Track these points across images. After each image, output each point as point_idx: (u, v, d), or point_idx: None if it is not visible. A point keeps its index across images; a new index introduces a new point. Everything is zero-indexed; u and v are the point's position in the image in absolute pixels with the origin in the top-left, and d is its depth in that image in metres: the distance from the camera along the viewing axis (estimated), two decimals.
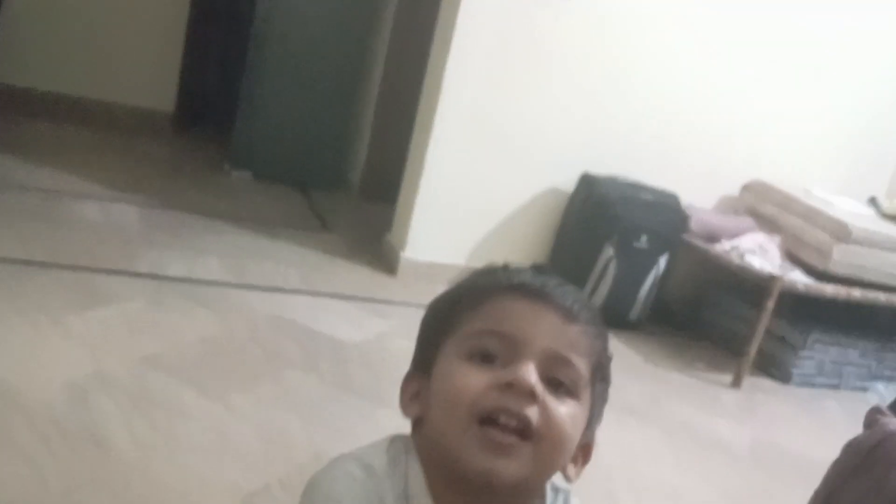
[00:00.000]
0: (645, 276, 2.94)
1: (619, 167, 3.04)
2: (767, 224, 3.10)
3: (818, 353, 2.87)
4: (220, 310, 2.22)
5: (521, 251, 3.09)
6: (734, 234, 2.99)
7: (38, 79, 4.02)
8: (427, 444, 0.70)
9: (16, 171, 3.06)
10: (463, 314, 0.71)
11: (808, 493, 2.03)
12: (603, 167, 3.02)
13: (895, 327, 3.11)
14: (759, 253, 2.84)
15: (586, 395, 0.71)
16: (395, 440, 0.73)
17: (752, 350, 2.65)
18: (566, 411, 0.68)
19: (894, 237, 2.93)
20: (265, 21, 3.71)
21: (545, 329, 0.69)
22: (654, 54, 3.04)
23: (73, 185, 3.05)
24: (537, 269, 0.75)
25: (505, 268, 0.75)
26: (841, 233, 2.84)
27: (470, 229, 3.02)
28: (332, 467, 0.69)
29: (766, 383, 2.81)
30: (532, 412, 0.65)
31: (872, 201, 3.28)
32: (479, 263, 2.73)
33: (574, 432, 0.69)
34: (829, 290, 2.76)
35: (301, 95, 3.78)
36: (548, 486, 0.76)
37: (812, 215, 2.98)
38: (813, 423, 2.57)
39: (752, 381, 2.71)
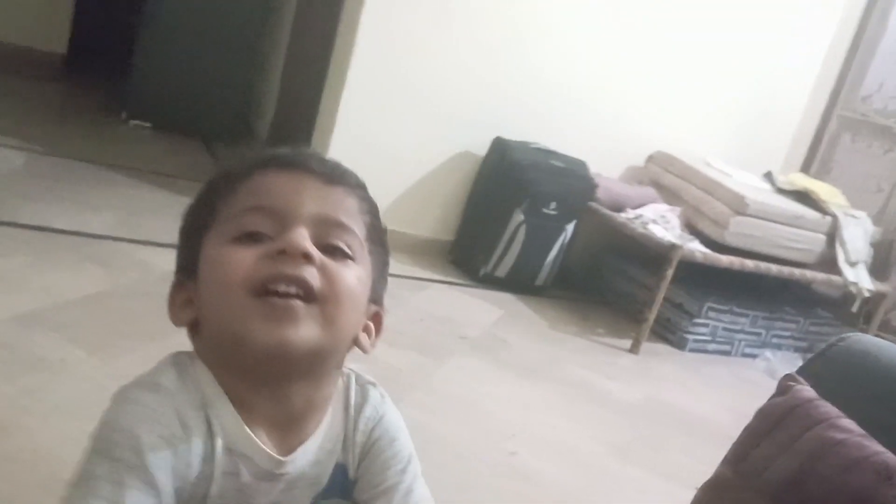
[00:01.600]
0: (553, 243, 2.97)
1: (531, 133, 3.05)
2: (669, 195, 3.19)
3: (712, 320, 3.00)
4: (111, 265, 2.09)
5: (433, 212, 3.07)
6: (638, 204, 3.07)
7: None
8: (209, 344, 0.67)
9: None
10: (220, 202, 0.68)
11: (692, 442, 2.15)
12: (515, 132, 3.02)
13: (785, 298, 3.29)
14: (660, 223, 2.92)
15: (364, 256, 0.69)
16: (176, 355, 0.68)
17: (651, 316, 2.74)
18: (348, 271, 0.66)
19: (787, 211, 3.07)
20: None
21: (309, 195, 0.67)
22: (563, 22, 3.05)
23: None
24: (298, 147, 0.74)
25: (257, 151, 0.75)
26: (738, 205, 2.95)
27: (382, 188, 2.90)
28: (118, 400, 0.63)
29: (662, 348, 2.92)
30: (310, 274, 0.63)
31: (768, 176, 3.43)
32: (391, 226, 2.69)
33: (360, 292, 0.68)
34: (725, 260, 2.87)
35: (204, 41, 3.59)
36: (350, 377, 0.75)
37: (712, 187, 3.08)
38: (701, 385, 2.69)
39: (649, 346, 2.81)
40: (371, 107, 2.85)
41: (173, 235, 0.73)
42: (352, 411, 0.73)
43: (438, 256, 3.07)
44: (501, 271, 2.95)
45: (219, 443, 0.63)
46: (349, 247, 0.67)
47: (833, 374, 0.78)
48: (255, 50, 3.78)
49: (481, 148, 3.03)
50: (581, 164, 3.05)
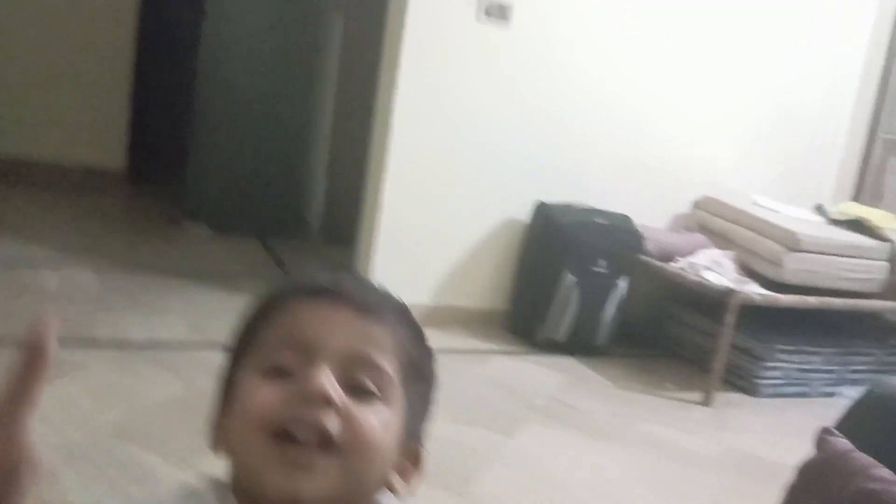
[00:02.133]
0: (607, 300, 2.98)
1: (572, 194, 3.09)
2: (720, 239, 3.18)
3: (783, 363, 2.93)
4: (184, 371, 2.19)
5: (483, 284, 3.12)
6: (688, 252, 3.06)
7: None
8: (235, 476, 0.63)
9: None
10: (256, 331, 0.65)
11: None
12: (557, 195, 3.07)
13: (855, 331, 3.20)
14: (714, 268, 2.90)
15: (397, 397, 0.63)
16: (208, 483, 0.65)
17: (719, 365, 2.69)
18: (374, 417, 0.61)
19: (843, 241, 3.02)
20: (209, 71, 3.71)
21: (339, 328, 0.62)
22: (601, 82, 3.12)
23: (26, 253, 2.99)
24: (335, 271, 0.72)
25: (296, 275, 0.71)
26: (790, 241, 2.91)
27: (431, 266, 3.03)
28: None
29: (736, 397, 2.85)
30: (330, 421, 0.59)
31: (819, 208, 3.38)
32: (444, 301, 2.74)
33: (387, 439, 0.62)
34: (786, 299, 2.83)
35: (252, 143, 3.77)
36: None
37: (761, 226, 3.06)
38: (782, 432, 2.61)
39: (721, 397, 2.75)
40: (413, 185, 2.94)
41: None
42: None
43: (494, 326, 3.09)
44: (559, 335, 2.96)
45: None
46: (378, 386, 0.62)
47: (869, 421, 0.78)
48: (300, 144, 3.94)
49: (525, 214, 3.08)
50: (625, 219, 3.07)
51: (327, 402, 0.59)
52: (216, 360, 2.17)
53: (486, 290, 3.13)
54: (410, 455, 0.67)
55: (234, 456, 0.63)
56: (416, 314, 0.70)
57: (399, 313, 0.66)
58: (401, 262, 2.96)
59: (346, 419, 0.59)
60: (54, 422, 1.81)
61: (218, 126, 3.72)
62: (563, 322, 2.95)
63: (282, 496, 0.59)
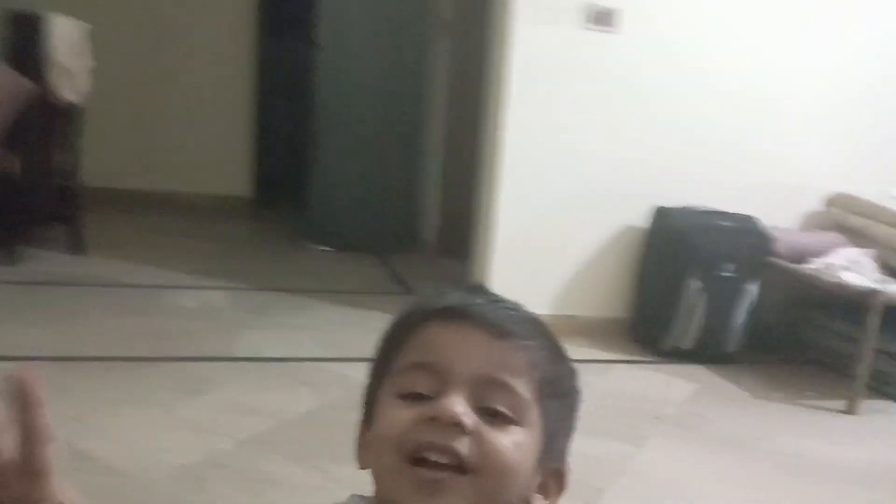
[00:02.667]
0: (736, 305, 2.86)
1: (692, 197, 3.00)
2: (856, 237, 2.99)
3: None
4: (318, 384, 2.27)
5: (602, 293, 3.07)
6: (822, 252, 2.89)
7: (123, 178, 4.28)
8: (377, 492, 0.65)
9: (114, 268, 3.25)
10: (393, 352, 0.66)
11: None
12: (676, 198, 2.98)
13: None
14: (853, 268, 2.73)
15: (532, 417, 0.63)
16: (352, 499, 0.67)
17: (862, 371, 2.53)
18: (507, 439, 0.61)
19: None
20: (325, 99, 3.88)
21: (472, 352, 0.62)
22: (716, 79, 3.02)
23: (166, 278, 3.21)
24: (469, 288, 0.69)
25: (433, 293, 0.68)
26: None
27: (550, 277, 3.02)
28: None
29: (883, 405, 2.66)
30: (461, 445, 0.59)
31: None
32: (564, 311, 2.72)
33: (521, 461, 0.62)
34: None
35: (367, 165, 3.91)
36: None
37: None
38: None
39: (867, 405, 2.57)
40: (528, 195, 2.94)
41: (363, 348, 0.77)
42: None
43: (617, 335, 3.03)
44: (686, 343, 2.86)
45: None
46: (512, 409, 0.62)
47: None
48: (414, 162, 4.04)
49: (643, 219, 3.01)
50: (752, 220, 2.94)
51: (459, 427, 0.59)
52: (347, 373, 2.27)
53: (606, 298, 3.07)
54: (552, 473, 0.67)
55: (375, 474, 0.64)
56: None
57: (534, 330, 0.66)
58: (518, 274, 2.96)
59: (479, 442, 0.60)
60: (201, 433, 1.93)
61: (335, 151, 3.88)
62: (689, 329, 2.85)
63: None
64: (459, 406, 0.60)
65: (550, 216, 2.97)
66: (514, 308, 0.67)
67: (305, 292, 3.18)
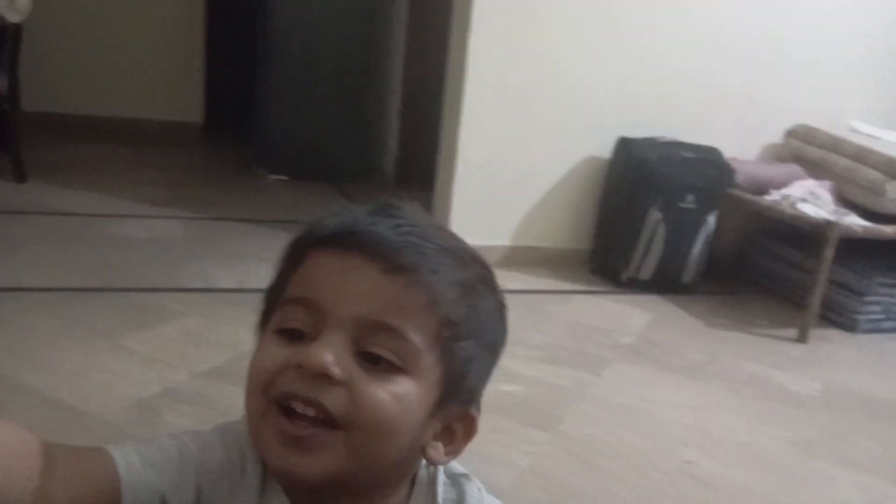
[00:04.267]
0: (695, 237, 2.87)
1: (656, 128, 2.97)
2: (815, 169, 3.01)
3: (883, 297, 2.78)
4: None
5: (564, 224, 3.05)
6: (782, 184, 2.91)
7: (66, 104, 4.07)
8: None
9: (56, 196, 3.10)
10: (285, 279, 0.59)
11: (881, 428, 1.99)
12: (639, 129, 2.95)
13: None
14: (811, 200, 2.75)
15: (426, 363, 0.55)
16: (233, 428, 0.62)
17: (815, 301, 2.57)
18: (386, 390, 0.53)
19: None
20: (275, 19, 3.69)
21: (356, 289, 0.54)
22: (684, 9, 2.95)
23: (112, 206, 3.08)
24: (373, 209, 0.59)
25: (328, 214, 0.60)
26: (892, 169, 2.73)
27: (512, 208, 2.98)
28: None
29: (833, 333, 2.73)
30: (329, 397, 0.53)
31: None
32: (524, 242, 2.70)
33: (401, 414, 0.54)
34: (889, 230, 2.66)
35: (322, 89, 3.77)
36: (438, 471, 0.64)
37: (861, 154, 2.88)
38: (882, 367, 2.49)
39: (817, 333, 2.64)
40: (490, 125, 2.87)
41: None
42: None
43: (577, 266, 3.03)
44: (645, 273, 2.87)
45: None
46: (398, 356, 0.54)
47: None
48: (372, 87, 3.91)
49: (606, 150, 2.97)
50: (714, 151, 2.93)
51: (328, 378, 0.53)
52: None
53: (567, 230, 3.06)
54: (459, 417, 0.60)
55: (246, 416, 0.58)
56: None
57: (441, 261, 0.56)
58: (479, 204, 2.92)
59: (351, 395, 0.53)
60: (154, 365, 1.87)
61: (288, 74, 3.72)
62: (648, 260, 2.86)
63: (281, 472, 0.56)
64: (329, 354, 0.53)
65: (513, 146, 2.91)
66: (420, 234, 0.57)
67: (258, 221, 3.09)
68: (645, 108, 2.99)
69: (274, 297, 0.60)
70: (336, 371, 0.53)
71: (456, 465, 0.66)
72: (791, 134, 3.19)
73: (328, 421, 0.53)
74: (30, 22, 3.15)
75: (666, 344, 2.42)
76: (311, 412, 0.53)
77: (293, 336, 0.56)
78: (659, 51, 2.96)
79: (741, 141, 3.11)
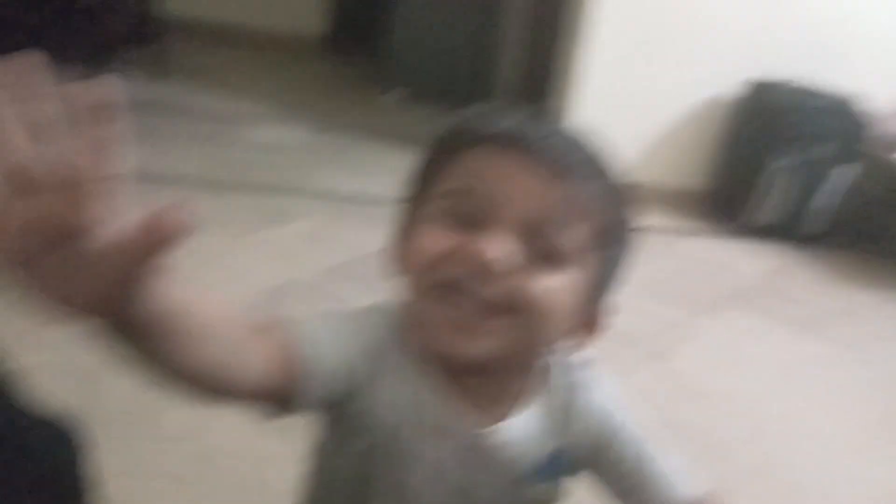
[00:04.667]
0: (822, 187, 2.75)
1: (790, 71, 2.82)
2: None
3: None
4: (387, 224, 2.30)
5: (686, 161, 2.98)
6: None
7: (203, 8, 4.20)
8: (408, 316, 0.63)
9: (188, 98, 3.26)
10: (440, 166, 0.61)
11: None
12: (772, 71, 2.81)
13: None
14: None
15: (585, 262, 0.59)
16: (386, 308, 0.65)
17: None
18: (550, 284, 0.57)
19: None
20: None
21: (524, 188, 0.57)
22: None
23: (242, 109, 3.22)
24: (527, 114, 0.62)
25: (485, 113, 0.62)
26: None
27: (629, 142, 2.91)
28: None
29: None
30: (495, 288, 0.56)
31: None
32: (641, 178, 2.62)
33: (560, 304, 0.58)
34: None
35: (450, 13, 3.75)
36: (559, 363, 0.67)
37: None
38: None
39: None
40: (615, 57, 2.79)
41: None
42: (563, 396, 0.67)
43: (694, 206, 2.96)
44: (765, 219, 2.79)
45: (411, 398, 0.62)
46: (562, 252, 0.58)
47: None
48: (495, 13, 3.86)
49: (734, 90, 2.86)
50: (850, 101, 2.76)
51: (499, 267, 0.55)
52: None
53: (686, 169, 2.98)
54: (590, 317, 0.64)
55: (407, 293, 0.62)
56: None
57: (596, 170, 0.61)
58: (597, 136, 2.87)
59: (519, 284, 0.56)
60: (280, 259, 1.99)
61: None
62: (770, 206, 2.77)
63: (442, 351, 0.59)
64: (499, 249, 0.56)
65: (636, 78, 2.84)
66: (576, 143, 0.61)
67: (377, 136, 3.16)
68: (778, 50, 2.83)
69: (425, 184, 0.63)
70: (507, 262, 0.56)
71: (578, 356, 0.70)
72: None
73: (492, 307, 0.56)
74: None
75: (784, 294, 2.36)
76: (476, 298, 0.56)
77: (457, 225, 0.58)
78: None
79: (885, 90, 2.91)
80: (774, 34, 2.82)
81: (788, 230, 2.79)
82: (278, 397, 0.56)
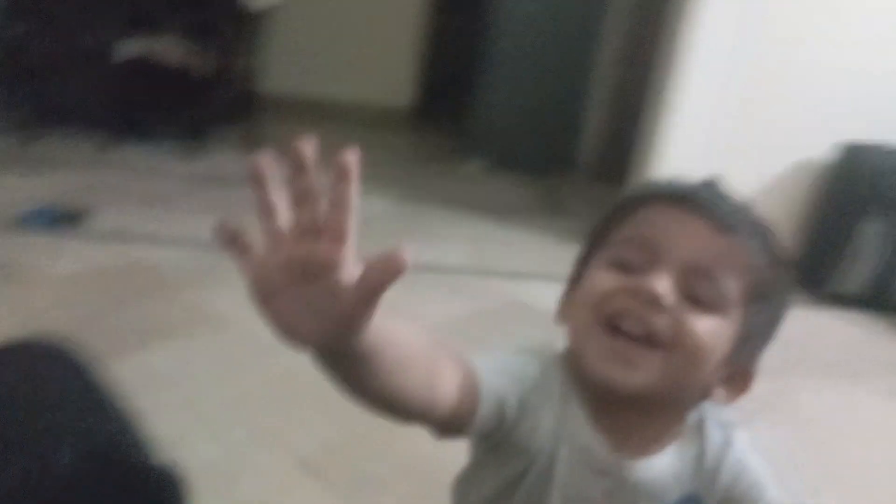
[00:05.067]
0: None
1: (881, 135, 2.72)
2: None
3: None
4: (465, 293, 2.34)
5: (775, 227, 2.89)
6: None
7: (292, 84, 4.45)
8: (570, 349, 0.68)
9: (281, 171, 3.43)
10: (612, 225, 0.69)
11: None
12: (867, 134, 2.72)
13: None
14: None
15: (734, 314, 0.64)
16: (542, 349, 0.71)
17: None
18: (704, 324, 0.62)
19: None
20: (499, 10, 3.78)
21: (689, 238, 0.64)
22: None
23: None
24: (700, 181, 0.69)
25: (664, 180, 0.70)
26: None
27: None
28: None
29: None
30: (658, 321, 0.61)
31: None
32: None
33: (713, 346, 0.63)
34: None
35: (534, 81, 3.83)
36: (706, 413, 0.71)
37: None
38: None
39: None
40: (698, 126, 2.78)
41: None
42: (708, 448, 0.71)
43: None
44: (855, 287, 2.66)
45: (566, 430, 0.67)
46: (715, 300, 0.63)
47: None
48: (582, 83, 3.91)
49: (826, 154, 2.78)
50: None
51: (658, 303, 0.61)
52: (493, 285, 2.31)
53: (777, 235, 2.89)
54: (740, 372, 0.68)
55: (571, 330, 0.68)
56: None
57: (756, 232, 0.66)
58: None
59: (675, 320, 0.62)
60: None
61: (505, 66, 3.80)
62: (860, 272, 2.65)
63: (599, 380, 0.64)
64: (663, 284, 0.62)
65: (718, 147, 2.80)
66: (740, 206, 0.67)
67: (458, 205, 3.23)
68: (875, 110, 2.74)
69: (597, 239, 0.70)
70: (668, 298, 0.62)
71: (725, 415, 0.74)
72: None
73: (650, 341, 0.62)
74: (277, 7, 3.48)
75: (872, 365, 2.24)
76: (637, 330, 0.62)
77: (624, 269, 0.65)
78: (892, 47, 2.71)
79: None
80: (866, 96, 2.74)
81: (882, 297, 2.65)
82: (456, 422, 0.62)
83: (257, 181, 0.47)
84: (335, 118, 4.43)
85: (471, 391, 0.61)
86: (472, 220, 3.10)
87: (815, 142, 2.78)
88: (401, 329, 0.54)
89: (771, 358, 2.18)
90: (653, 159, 2.87)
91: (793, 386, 2.04)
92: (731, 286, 0.63)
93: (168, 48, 3.33)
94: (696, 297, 0.63)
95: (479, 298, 2.31)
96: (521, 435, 0.66)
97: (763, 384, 2.09)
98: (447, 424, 0.62)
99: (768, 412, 1.89)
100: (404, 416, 0.57)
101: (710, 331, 0.63)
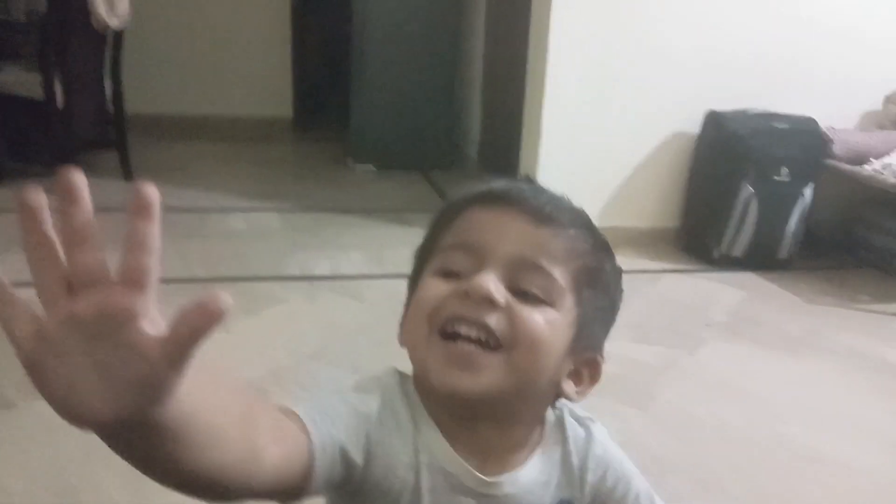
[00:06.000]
0: (790, 211, 2.79)
1: (746, 100, 2.89)
2: None
3: None
4: (366, 299, 2.31)
5: (651, 202, 3.02)
6: (882, 152, 2.79)
7: (164, 104, 4.29)
8: (413, 369, 0.66)
9: (161, 194, 3.27)
10: (436, 237, 0.68)
11: None
12: (729, 102, 2.88)
13: None
14: None
15: (567, 302, 0.63)
16: (389, 372, 0.68)
17: None
18: (538, 316, 0.62)
19: None
20: (362, 17, 3.77)
21: (510, 235, 0.63)
22: None
23: (214, 201, 3.25)
24: (516, 178, 0.69)
25: (479, 182, 0.69)
26: None
27: (597, 187, 2.97)
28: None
29: None
30: (492, 319, 0.60)
31: None
32: (611, 222, 2.69)
33: (551, 337, 0.62)
34: None
35: (407, 82, 3.84)
36: (563, 412, 0.71)
37: None
38: None
39: None
40: (574, 105, 2.86)
41: (408, 264, 0.77)
42: (572, 447, 0.71)
43: (667, 244, 3.00)
44: (737, 250, 2.82)
45: (424, 457, 0.64)
46: (545, 292, 0.62)
47: None
48: (453, 77, 3.96)
49: (694, 125, 2.92)
50: (809, 121, 2.84)
51: (490, 301, 0.60)
52: (394, 288, 2.28)
53: (655, 208, 3.03)
54: (586, 362, 0.67)
55: (411, 350, 0.66)
56: None
57: (576, 220, 0.66)
58: (564, 185, 2.85)
59: (510, 317, 0.61)
60: (261, 348, 1.99)
61: (375, 68, 3.80)
62: (741, 236, 2.81)
63: (444, 390, 0.62)
64: (492, 282, 0.61)
65: (597, 124, 2.90)
66: (557, 197, 0.67)
67: (350, 211, 3.19)
68: (734, 80, 2.91)
69: (425, 253, 0.69)
70: (499, 296, 0.61)
71: (580, 409, 0.73)
72: (889, 99, 3.05)
73: (489, 343, 0.61)
74: (130, 24, 3.32)
75: (761, 320, 2.38)
76: (473, 333, 0.61)
77: (453, 276, 0.64)
78: (748, 19, 2.88)
79: (839, 109, 2.99)
80: (727, 64, 2.90)
81: (760, 257, 2.81)
82: (293, 487, 0.56)
83: (28, 217, 0.36)
84: (217, 135, 4.30)
85: (300, 449, 0.56)
86: (367, 224, 3.07)
87: (684, 114, 2.91)
88: (212, 388, 0.45)
89: (674, 325, 2.27)
90: (533, 146, 2.93)
91: (690, 350, 2.14)
92: (559, 274, 0.63)
93: (18, 77, 3.12)
94: (526, 290, 0.62)
95: (383, 301, 2.29)
96: (377, 476, 0.62)
97: (662, 351, 2.17)
98: (283, 493, 0.55)
99: (673, 379, 1.97)
100: (225, 495, 0.48)
101: (546, 321, 0.62)
